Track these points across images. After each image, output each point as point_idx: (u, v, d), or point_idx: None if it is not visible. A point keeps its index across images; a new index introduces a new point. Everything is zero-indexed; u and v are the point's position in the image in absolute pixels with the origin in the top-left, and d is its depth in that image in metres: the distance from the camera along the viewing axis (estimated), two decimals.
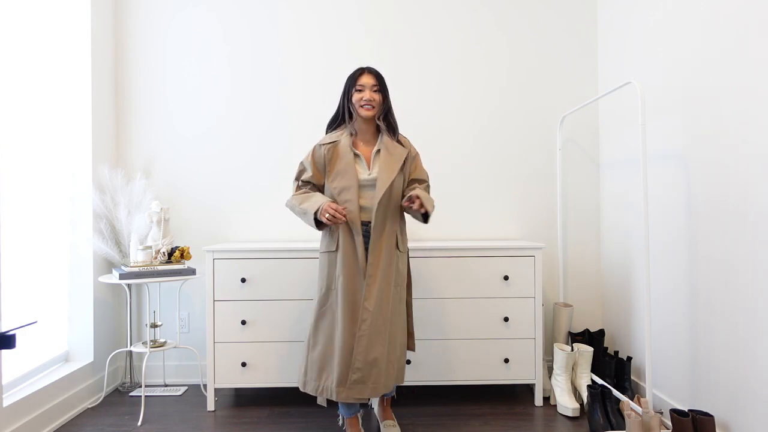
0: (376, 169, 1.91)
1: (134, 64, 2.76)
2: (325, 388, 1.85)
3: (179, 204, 2.74)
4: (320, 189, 2.00)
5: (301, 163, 1.98)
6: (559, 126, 2.71)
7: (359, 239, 1.85)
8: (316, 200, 1.85)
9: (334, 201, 1.88)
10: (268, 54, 2.77)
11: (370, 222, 1.89)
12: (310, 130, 2.76)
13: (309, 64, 2.77)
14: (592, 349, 2.40)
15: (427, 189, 2.06)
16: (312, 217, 1.83)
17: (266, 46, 2.77)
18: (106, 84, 2.65)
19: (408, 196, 1.85)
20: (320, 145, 1.94)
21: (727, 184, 1.79)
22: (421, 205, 1.84)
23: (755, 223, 1.67)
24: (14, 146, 2.16)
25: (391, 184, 1.88)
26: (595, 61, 2.80)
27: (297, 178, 2.00)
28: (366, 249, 1.88)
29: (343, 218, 1.78)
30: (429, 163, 2.73)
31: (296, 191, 1.99)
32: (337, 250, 1.89)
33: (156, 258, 2.37)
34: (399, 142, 1.97)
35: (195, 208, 2.75)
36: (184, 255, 2.40)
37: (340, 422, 2.12)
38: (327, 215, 1.76)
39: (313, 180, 1.96)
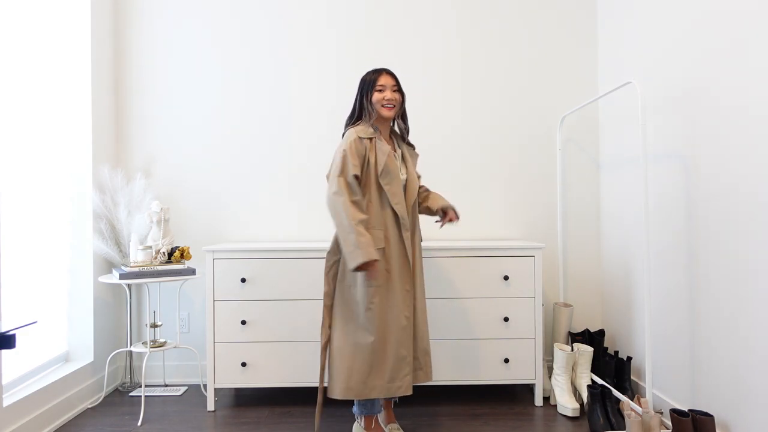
0: (405, 171, 1.98)
1: (134, 64, 2.76)
2: (376, 387, 1.84)
3: (179, 204, 2.74)
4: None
5: (345, 156, 1.83)
6: (559, 126, 2.71)
7: (407, 235, 1.91)
8: (369, 251, 1.73)
9: (379, 196, 1.86)
10: (272, 56, 2.77)
11: None
12: (311, 130, 2.76)
13: (315, 67, 2.77)
14: (592, 349, 2.40)
15: None
16: (357, 260, 1.72)
17: (271, 47, 2.77)
18: (106, 84, 2.65)
19: (446, 215, 2.06)
20: (361, 138, 1.88)
21: (726, 183, 1.79)
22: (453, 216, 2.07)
23: (755, 223, 1.67)
24: (14, 146, 2.16)
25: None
26: (595, 61, 2.80)
27: (341, 173, 1.82)
28: None
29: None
30: (429, 164, 2.72)
31: (347, 195, 1.79)
32: (384, 247, 1.88)
33: (156, 258, 2.37)
34: (408, 141, 2.06)
35: (195, 208, 2.75)
36: (184, 255, 2.40)
37: (361, 422, 2.02)
38: (372, 278, 1.81)
39: (357, 173, 1.84)
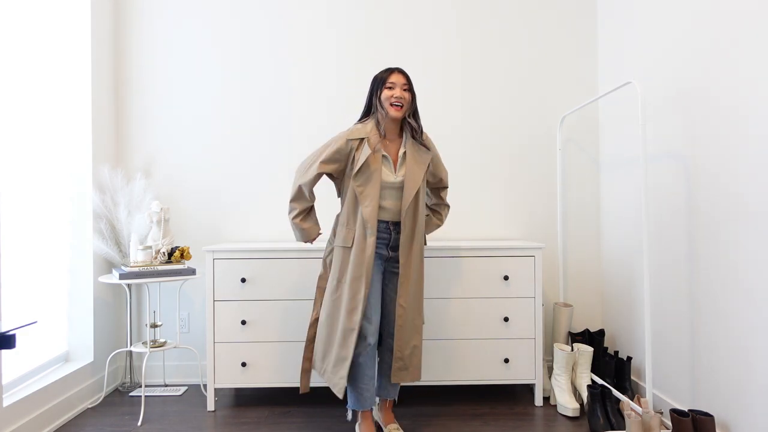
0: (402, 172, 1.95)
1: (134, 64, 2.76)
2: (326, 371, 1.96)
3: (179, 204, 2.74)
4: (330, 176, 2.02)
5: (328, 150, 1.93)
6: (559, 126, 2.71)
7: (371, 240, 1.89)
8: (312, 231, 2.05)
9: (354, 196, 1.93)
10: (273, 57, 2.77)
11: (389, 221, 1.96)
12: (311, 130, 2.76)
13: (315, 68, 2.77)
14: (592, 349, 2.40)
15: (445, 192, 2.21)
16: (302, 239, 2.06)
17: (273, 48, 2.77)
18: (106, 84, 2.65)
19: None
20: (348, 140, 1.92)
21: (726, 183, 1.79)
22: None
23: (755, 222, 1.67)
24: (14, 146, 2.16)
25: (418, 190, 1.95)
26: (595, 61, 2.80)
27: (316, 160, 1.94)
28: (391, 248, 1.97)
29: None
30: None
31: (309, 179, 1.95)
32: (351, 246, 1.93)
33: (156, 258, 2.36)
34: (422, 141, 2.00)
35: (195, 208, 2.75)
36: (184, 255, 2.40)
37: (349, 416, 2.08)
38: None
39: (325, 171, 1.94)
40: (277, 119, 2.77)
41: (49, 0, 2.37)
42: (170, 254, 2.40)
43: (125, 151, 2.76)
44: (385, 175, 1.93)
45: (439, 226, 2.22)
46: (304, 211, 2.02)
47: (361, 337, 1.92)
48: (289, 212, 2.02)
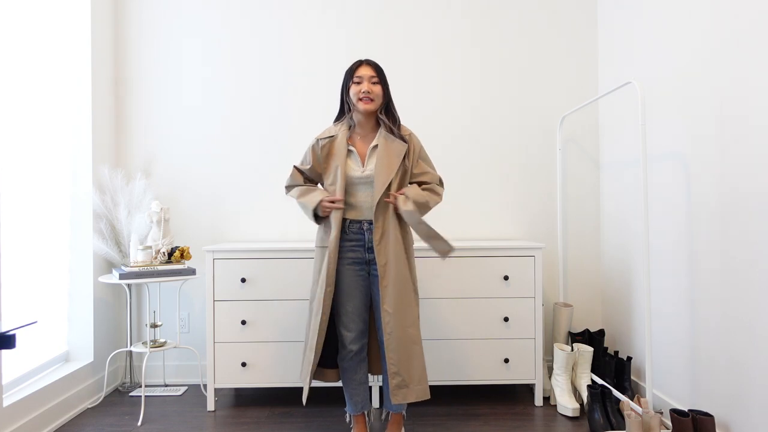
0: (371, 166, 1.84)
1: (134, 64, 2.76)
2: (302, 372, 1.92)
3: (179, 204, 2.74)
4: (317, 181, 2.01)
5: (304, 154, 1.97)
6: (559, 126, 2.71)
7: (335, 233, 1.83)
8: (315, 196, 1.87)
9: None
10: (270, 54, 2.77)
11: (362, 221, 1.87)
12: (312, 131, 2.76)
13: (312, 64, 2.77)
14: (592, 349, 2.40)
15: (440, 184, 2.01)
16: (311, 212, 1.86)
17: (269, 46, 2.77)
18: (106, 84, 2.65)
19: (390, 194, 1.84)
20: (318, 139, 1.91)
21: (726, 184, 1.79)
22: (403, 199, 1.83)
23: (755, 223, 1.67)
24: (15, 146, 2.16)
25: (391, 182, 1.82)
26: (595, 61, 2.80)
27: (299, 165, 1.99)
28: (368, 250, 1.88)
29: (340, 206, 1.83)
30: None
31: (293, 176, 1.98)
32: (327, 246, 1.88)
33: (156, 258, 2.36)
34: (401, 135, 1.87)
35: (195, 208, 2.75)
36: (184, 255, 2.40)
37: (348, 419, 2.05)
38: (326, 210, 1.85)
39: (311, 174, 1.96)
40: (277, 119, 2.77)
41: (49, 0, 2.37)
42: (170, 254, 2.40)
43: (125, 151, 2.76)
44: (351, 170, 1.85)
45: (437, 201, 1.96)
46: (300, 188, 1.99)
47: (340, 344, 1.92)
48: (298, 196, 1.93)
